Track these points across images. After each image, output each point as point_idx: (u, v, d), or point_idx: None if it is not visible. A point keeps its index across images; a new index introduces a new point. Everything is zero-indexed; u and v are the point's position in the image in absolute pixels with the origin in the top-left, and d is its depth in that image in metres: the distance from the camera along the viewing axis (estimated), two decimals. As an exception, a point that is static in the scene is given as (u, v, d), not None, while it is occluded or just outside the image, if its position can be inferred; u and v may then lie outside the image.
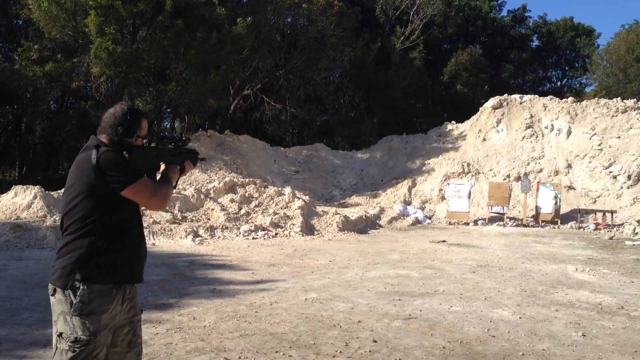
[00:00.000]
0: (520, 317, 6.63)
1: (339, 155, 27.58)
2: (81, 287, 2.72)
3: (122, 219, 2.90)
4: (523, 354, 5.25)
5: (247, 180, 16.53)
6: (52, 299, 2.81)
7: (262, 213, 15.22)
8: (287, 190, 16.74)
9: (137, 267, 2.98)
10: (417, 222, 19.49)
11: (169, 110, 25.99)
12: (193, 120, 30.48)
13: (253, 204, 15.64)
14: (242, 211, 15.04)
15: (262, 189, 16.52)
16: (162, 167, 3.14)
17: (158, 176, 3.13)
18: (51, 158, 29.95)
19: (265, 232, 14.31)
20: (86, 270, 2.74)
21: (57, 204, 12.78)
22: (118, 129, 2.92)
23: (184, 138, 3.27)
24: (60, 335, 2.73)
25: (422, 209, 21.38)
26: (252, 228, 14.29)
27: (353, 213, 17.59)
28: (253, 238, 13.84)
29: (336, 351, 5.21)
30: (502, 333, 5.96)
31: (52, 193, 13.43)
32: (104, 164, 2.75)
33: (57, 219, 12.14)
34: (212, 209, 14.98)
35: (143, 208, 3.17)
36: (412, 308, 6.99)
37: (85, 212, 2.79)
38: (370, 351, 5.24)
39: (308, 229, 15.06)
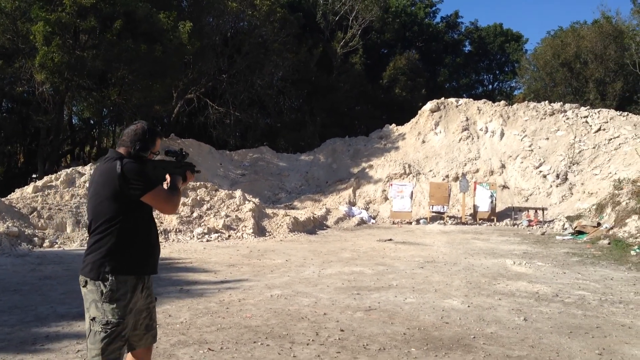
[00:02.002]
0: (468, 306, 7.31)
1: (284, 158, 28.06)
2: (110, 278, 3.21)
3: (141, 220, 3.40)
4: (474, 337, 5.90)
5: (198, 184, 16.76)
6: (84, 289, 3.27)
7: (214, 216, 15.53)
8: (238, 193, 17.09)
9: (154, 261, 3.49)
10: (362, 222, 20.21)
11: (113, 114, 25.69)
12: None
13: (205, 207, 15.92)
14: (195, 214, 15.30)
15: (213, 192, 16.80)
16: (167, 177, 3.61)
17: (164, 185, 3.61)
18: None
19: (219, 234, 14.65)
20: (114, 263, 3.23)
21: (9, 210, 12.75)
22: (136, 144, 3.39)
23: (184, 153, 3.76)
24: (93, 319, 3.20)
25: (367, 209, 22.14)
26: (206, 231, 14.60)
27: (301, 214, 18.11)
28: (207, 240, 14.17)
29: (309, 339, 5.71)
30: (454, 320, 6.61)
31: (4, 199, 13.32)
32: (127, 173, 3.22)
33: (9, 225, 12.12)
34: (161, 215, 15.17)
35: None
36: (371, 301, 7.56)
37: (111, 214, 3.26)
38: (339, 339, 5.76)
39: (260, 231, 15.49)
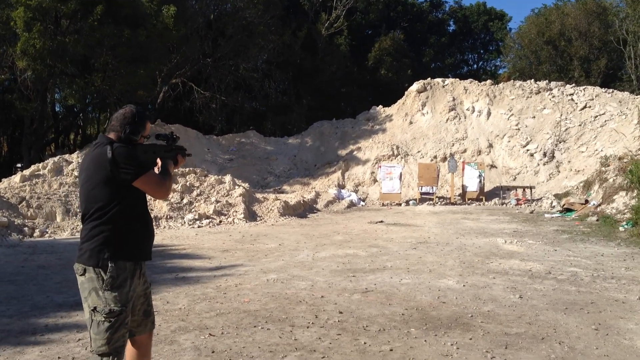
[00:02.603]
0: (463, 285, 7.38)
1: (271, 142, 27.97)
2: (110, 265, 3.16)
3: (136, 205, 3.35)
4: (472, 316, 5.96)
5: (187, 169, 16.68)
6: (81, 278, 3.22)
7: (204, 202, 15.48)
8: (227, 178, 17.04)
9: (149, 246, 3.48)
10: (352, 204, 20.27)
11: (97, 101, 25.41)
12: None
13: (195, 193, 15.85)
14: (185, 200, 15.24)
15: (203, 177, 16.74)
16: (158, 161, 3.56)
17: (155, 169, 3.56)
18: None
19: (210, 220, 14.62)
20: (113, 250, 3.19)
21: (-3, 201, 12.61)
22: (126, 128, 3.34)
23: (175, 136, 3.70)
24: (94, 309, 3.16)
25: (356, 191, 22.20)
26: (197, 217, 14.57)
27: (291, 198, 18.12)
28: (198, 226, 14.14)
29: (309, 322, 5.74)
30: (451, 299, 6.67)
31: (-10, 190, 13.19)
32: (118, 157, 3.17)
33: (-2, 216, 12.01)
34: (155, 200, 15.09)
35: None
36: (367, 282, 7.60)
37: (105, 201, 3.21)
38: (339, 321, 5.79)
39: (251, 215, 15.48)
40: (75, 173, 15.29)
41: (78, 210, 13.58)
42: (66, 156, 16.83)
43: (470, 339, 5.20)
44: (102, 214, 3.20)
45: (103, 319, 3.14)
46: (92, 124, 33.28)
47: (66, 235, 12.48)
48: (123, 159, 3.17)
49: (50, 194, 13.87)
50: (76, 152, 18.73)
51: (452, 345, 5.04)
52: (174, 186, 15.61)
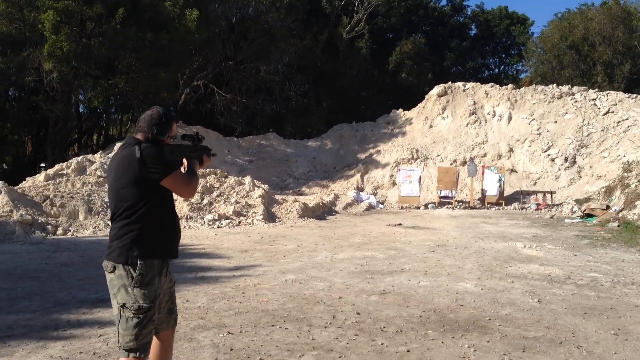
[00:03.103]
0: (482, 289, 7.37)
1: (291, 144, 28.08)
2: (139, 263, 3.25)
3: (164, 205, 3.43)
4: (490, 319, 5.96)
5: (207, 170, 16.84)
6: (110, 275, 3.30)
7: (224, 202, 15.61)
8: (247, 179, 17.16)
9: (176, 245, 3.56)
10: (370, 207, 20.28)
11: (120, 102, 25.75)
12: (141, 112, 30.29)
13: (215, 193, 15.99)
14: (205, 201, 15.38)
15: (223, 179, 16.88)
16: (184, 161, 3.64)
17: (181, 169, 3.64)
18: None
19: (229, 220, 14.73)
20: (142, 248, 3.27)
21: (22, 199, 12.85)
22: (153, 129, 3.42)
23: (200, 136, 3.78)
24: (123, 305, 3.24)
25: (375, 194, 22.20)
26: (216, 217, 14.69)
27: (310, 200, 18.17)
28: (218, 227, 14.26)
29: (326, 323, 5.78)
30: (469, 302, 6.67)
31: (16, 188, 13.43)
32: (146, 157, 3.25)
33: (23, 213, 12.24)
34: (175, 200, 15.26)
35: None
36: (385, 284, 7.63)
37: (133, 200, 3.29)
38: (356, 322, 5.83)
39: (270, 217, 15.57)
40: (99, 173, 15.52)
41: (100, 209, 13.80)
42: (89, 156, 17.09)
43: (488, 341, 5.21)
44: (131, 213, 3.28)
45: (132, 315, 3.22)
46: (114, 125, 33.70)
47: (88, 233, 12.67)
48: (151, 159, 3.25)
49: (74, 193, 14.10)
50: (99, 153, 19.01)
51: (469, 347, 5.05)
52: (195, 187, 15.76)
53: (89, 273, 8.24)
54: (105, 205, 14.01)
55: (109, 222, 13.01)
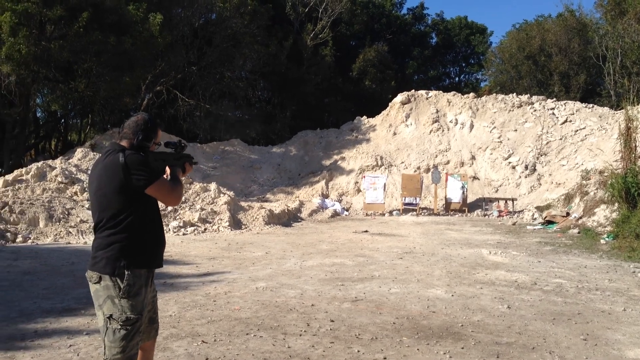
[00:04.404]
0: (452, 295, 7.45)
1: (255, 151, 27.96)
2: (127, 273, 3.19)
3: (148, 213, 3.38)
4: (462, 325, 6.02)
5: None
6: (96, 286, 3.22)
7: (189, 209, 15.42)
8: (213, 186, 16.99)
9: (161, 254, 3.51)
10: (336, 214, 20.32)
11: (79, 107, 25.21)
12: (102, 117, 29.81)
13: (179, 200, 15.77)
14: (170, 208, 15.15)
15: (187, 185, 16.67)
16: (167, 169, 3.59)
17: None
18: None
19: (195, 227, 14.56)
20: (129, 258, 3.22)
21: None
22: (139, 135, 3.36)
23: (182, 144, 3.74)
24: (110, 317, 3.16)
25: (340, 201, 22.27)
26: (181, 224, 14.50)
27: (276, 207, 18.11)
28: (183, 234, 14.07)
29: (301, 330, 5.75)
30: (440, 309, 6.73)
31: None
32: (130, 164, 3.20)
33: (-20, 221, 11.84)
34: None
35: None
36: (356, 291, 7.64)
37: (119, 209, 3.23)
38: (331, 329, 5.82)
39: (236, 224, 15.44)
40: (59, 179, 15.13)
41: (61, 216, 13.44)
42: (49, 162, 16.65)
43: (462, 348, 5.26)
44: (116, 223, 3.22)
45: (119, 327, 3.15)
46: (74, 130, 32.96)
47: (49, 241, 12.32)
48: (135, 166, 3.20)
49: (34, 200, 13.71)
50: (59, 158, 18.54)
51: (444, 354, 5.09)
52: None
53: (53, 282, 8.02)
54: (66, 212, 13.66)
55: (70, 230, 12.76)
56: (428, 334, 5.68)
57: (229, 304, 6.84)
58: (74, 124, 32.59)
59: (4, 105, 21.84)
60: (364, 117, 29.02)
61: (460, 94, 28.52)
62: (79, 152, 18.96)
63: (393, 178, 23.13)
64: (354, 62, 37.07)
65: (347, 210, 21.57)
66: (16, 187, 14.41)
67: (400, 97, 28.00)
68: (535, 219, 17.92)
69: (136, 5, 21.31)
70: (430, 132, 25.86)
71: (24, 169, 15.61)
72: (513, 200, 20.96)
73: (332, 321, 6.12)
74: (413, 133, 26.20)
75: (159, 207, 3.55)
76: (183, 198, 15.70)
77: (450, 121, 26.35)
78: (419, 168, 23.91)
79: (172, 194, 3.39)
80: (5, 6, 18.08)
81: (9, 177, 15.10)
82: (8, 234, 11.99)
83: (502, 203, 21.06)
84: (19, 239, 12.02)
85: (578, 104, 25.99)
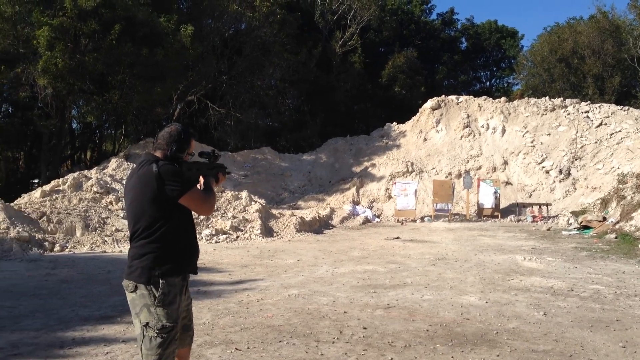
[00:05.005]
0: (486, 302, 7.36)
1: (286, 158, 28.08)
2: (161, 282, 3.23)
3: (182, 223, 3.42)
4: (497, 332, 5.94)
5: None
6: (132, 295, 3.27)
7: (221, 217, 15.56)
8: (244, 194, 17.13)
9: (195, 262, 3.55)
10: (367, 220, 20.27)
11: (113, 118, 25.71)
12: (135, 127, 30.32)
13: (211, 209, 15.94)
14: (202, 216, 15.31)
15: (219, 193, 16.83)
16: (201, 178, 3.64)
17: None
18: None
19: (227, 235, 14.69)
20: (164, 267, 3.26)
21: (18, 216, 12.76)
22: (172, 146, 3.42)
23: (216, 154, 3.78)
24: (147, 325, 3.21)
25: (371, 208, 22.19)
26: (214, 232, 14.64)
27: (307, 214, 18.15)
28: (216, 242, 14.20)
29: (334, 338, 5.75)
30: (474, 316, 6.65)
31: (12, 204, 13.33)
32: (164, 175, 3.25)
33: (20, 230, 12.14)
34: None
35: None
36: (389, 298, 7.60)
37: (153, 219, 3.29)
38: (363, 336, 5.80)
39: (267, 231, 15.52)
40: (95, 189, 15.44)
41: (97, 225, 13.70)
42: (85, 172, 17.01)
43: (498, 355, 5.19)
44: (151, 232, 3.28)
45: (155, 335, 3.20)
46: (108, 140, 33.59)
47: (85, 249, 12.57)
48: (169, 176, 3.25)
49: (70, 209, 14.01)
50: (95, 168, 18.92)
51: (479, 361, 5.03)
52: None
53: (90, 290, 8.17)
54: (102, 222, 13.92)
55: (106, 239, 13.00)
56: (462, 341, 5.62)
57: (262, 312, 6.87)
58: (108, 135, 33.21)
59: (41, 118, 22.39)
60: (394, 123, 28.93)
61: (491, 99, 28.24)
62: (113, 162, 19.32)
63: (424, 184, 22.99)
64: (383, 68, 37.02)
65: (378, 216, 21.50)
66: (53, 197, 14.74)
67: (430, 102, 27.85)
68: (571, 224, 17.60)
69: (167, 17, 21.67)
70: (461, 137, 25.65)
71: (60, 180, 15.97)
72: (547, 205, 20.63)
73: (365, 328, 6.10)
74: (444, 138, 26.02)
75: (193, 216, 3.60)
76: (215, 206, 15.89)
77: (482, 126, 26.10)
78: (450, 174, 23.72)
79: (205, 203, 3.43)
80: (42, 21, 18.57)
81: (47, 187, 15.46)
82: (46, 243, 12.27)
83: (536, 208, 20.74)
84: (57, 248, 12.28)
85: (613, 107, 25.50)
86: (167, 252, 3.28)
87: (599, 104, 26.30)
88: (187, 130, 3.55)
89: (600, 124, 24.04)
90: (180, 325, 3.44)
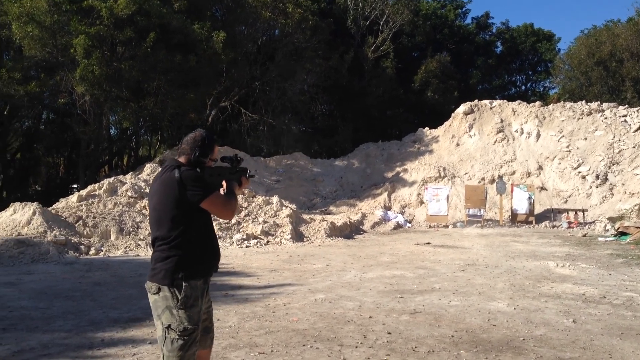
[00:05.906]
0: (514, 309, 7.27)
1: (318, 164, 28.16)
2: (184, 285, 3.32)
3: (204, 226, 3.51)
4: (524, 339, 5.87)
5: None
6: (155, 296, 3.37)
7: (252, 222, 15.71)
8: (275, 199, 17.25)
9: (216, 264, 3.63)
10: (398, 226, 20.17)
11: (149, 124, 26.21)
12: (170, 133, 30.83)
13: (243, 213, 16.11)
14: (233, 221, 15.48)
15: (251, 198, 17.00)
16: (224, 183, 3.70)
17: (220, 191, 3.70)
18: (28, 175, 29.80)
19: (258, 240, 14.81)
20: (186, 270, 3.35)
21: (56, 220, 13.11)
22: (196, 151, 3.50)
23: (239, 158, 3.84)
24: (169, 327, 3.30)
25: (402, 213, 22.09)
26: (245, 237, 14.78)
27: (338, 219, 18.17)
28: (246, 246, 14.34)
29: (357, 342, 5.76)
30: (501, 322, 6.58)
31: (50, 209, 13.70)
32: (185, 180, 3.34)
33: (56, 233, 12.47)
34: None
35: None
36: (415, 304, 7.58)
37: (176, 223, 3.37)
38: (387, 341, 5.80)
39: (298, 236, 15.60)
40: (129, 193, 15.76)
41: (131, 229, 13.98)
42: (120, 177, 17.37)
43: (522, 362, 5.14)
44: (174, 236, 3.36)
45: (177, 337, 3.28)
46: (144, 146, 34.22)
47: (120, 253, 12.84)
48: (190, 181, 3.33)
49: (105, 214, 14.33)
50: (130, 173, 19.30)
51: (503, 367, 4.99)
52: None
53: (121, 292, 8.35)
54: (136, 226, 14.20)
55: (139, 242, 13.25)
56: (487, 348, 5.58)
57: (288, 315, 6.92)
58: (144, 140, 33.84)
59: (79, 124, 22.95)
60: (426, 128, 28.75)
61: (525, 103, 27.83)
62: (147, 167, 19.70)
63: (456, 189, 22.79)
64: (415, 73, 36.81)
65: (409, 222, 21.39)
66: (89, 201, 15.10)
67: (463, 107, 27.61)
68: (608, 230, 17.22)
69: (201, 24, 22.02)
70: (495, 142, 25.35)
71: (96, 185, 16.35)
72: (583, 211, 20.22)
73: (389, 333, 6.10)
74: (477, 143, 25.75)
75: (212, 219, 3.67)
76: (246, 211, 16.05)
77: (516, 131, 25.75)
78: (483, 179, 23.46)
79: (226, 207, 3.50)
80: (79, 30, 19.08)
81: (83, 192, 15.85)
82: (82, 247, 12.58)
83: (571, 214, 20.34)
84: (92, 251, 12.58)
85: (652, 111, 24.87)
86: (190, 255, 3.37)
87: (637, 108, 25.68)
88: (211, 136, 3.63)
89: (639, 129, 23.47)
90: (201, 328, 3.52)
